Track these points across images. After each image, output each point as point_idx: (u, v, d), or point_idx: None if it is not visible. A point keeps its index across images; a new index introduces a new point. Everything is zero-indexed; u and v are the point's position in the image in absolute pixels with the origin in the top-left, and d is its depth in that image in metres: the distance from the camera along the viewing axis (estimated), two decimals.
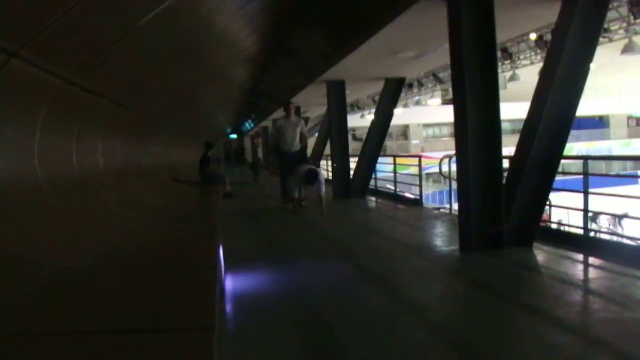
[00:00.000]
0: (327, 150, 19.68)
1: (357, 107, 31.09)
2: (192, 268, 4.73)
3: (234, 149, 51.53)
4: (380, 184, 17.06)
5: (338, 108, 15.97)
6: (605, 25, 16.79)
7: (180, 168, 16.71)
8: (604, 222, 19.11)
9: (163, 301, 3.71)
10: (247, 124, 43.60)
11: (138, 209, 7.79)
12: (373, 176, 16.46)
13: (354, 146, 28.91)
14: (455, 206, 8.66)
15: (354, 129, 41.02)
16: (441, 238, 8.91)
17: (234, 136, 49.71)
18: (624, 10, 16.56)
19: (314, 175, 11.52)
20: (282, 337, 4.48)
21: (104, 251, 5.16)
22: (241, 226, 10.78)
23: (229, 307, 5.33)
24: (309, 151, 16.47)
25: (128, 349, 2.93)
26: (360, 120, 33.70)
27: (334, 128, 16.24)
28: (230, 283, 6.20)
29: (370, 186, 16.36)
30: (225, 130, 45.57)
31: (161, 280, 4.29)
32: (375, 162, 16.05)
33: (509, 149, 7.66)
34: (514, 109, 24.86)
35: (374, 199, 15.51)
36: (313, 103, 21.54)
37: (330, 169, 18.15)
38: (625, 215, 15.57)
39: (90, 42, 5.25)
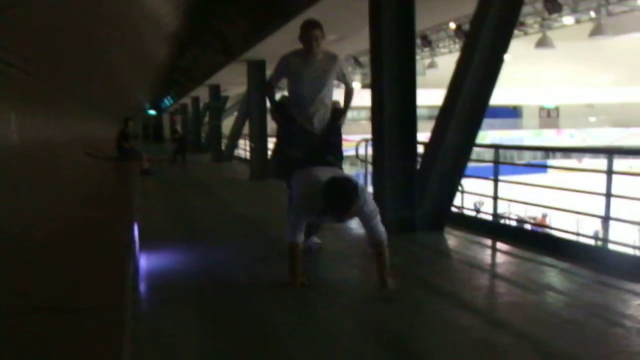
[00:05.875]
0: (246, 129, 19.62)
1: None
2: (106, 246, 4.65)
3: (152, 126, 50.66)
4: None
5: (258, 88, 15.90)
6: (522, 19, 17.26)
7: (96, 143, 16.35)
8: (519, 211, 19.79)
9: (74, 279, 3.64)
10: (166, 101, 42.96)
11: (51, 185, 7.59)
12: None
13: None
14: (371, 189, 8.78)
15: None
16: (356, 220, 9.00)
17: (152, 112, 48.86)
18: (539, 5, 17.03)
19: (348, 198, 4.77)
20: (197, 317, 4.47)
21: (14, 229, 5.03)
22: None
23: (143, 286, 5.29)
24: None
25: (36, 329, 2.86)
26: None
27: (254, 108, 16.21)
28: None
29: None
30: (143, 106, 44.76)
31: (73, 259, 4.20)
32: None
33: (425, 134, 7.80)
34: (431, 96, 25.25)
35: None
36: (233, 82, 21.39)
37: (249, 149, 18.11)
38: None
39: None
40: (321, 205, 4.89)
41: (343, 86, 6.33)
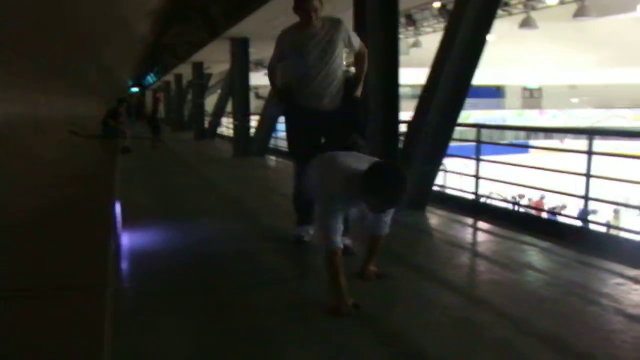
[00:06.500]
0: (229, 107, 19.58)
1: (262, 65, 30.91)
2: (87, 225, 4.64)
3: (134, 104, 50.22)
4: (280, 143, 17.14)
5: (241, 66, 15.89)
6: (506, 0, 17.30)
7: (79, 121, 16.27)
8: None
9: (56, 258, 3.64)
10: (149, 78, 42.64)
11: (34, 162, 7.56)
12: (274, 135, 16.56)
13: (256, 104, 28.77)
14: None
15: (257, 87, 40.76)
16: None
17: (135, 90, 48.45)
18: None
19: (404, 187, 3.83)
20: (179, 295, 4.48)
21: None
22: None
23: (124, 264, 5.28)
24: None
25: (20, 309, 2.86)
26: (264, 79, 33.34)
27: (236, 86, 16.18)
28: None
29: (270, 145, 16.44)
30: (126, 84, 44.40)
31: (55, 238, 4.20)
32: (276, 121, 16.10)
33: (410, 113, 7.81)
34: (415, 75, 25.21)
35: (274, 158, 15.56)
36: (216, 59, 21.27)
37: (232, 127, 18.07)
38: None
39: None
40: (357, 197, 3.99)
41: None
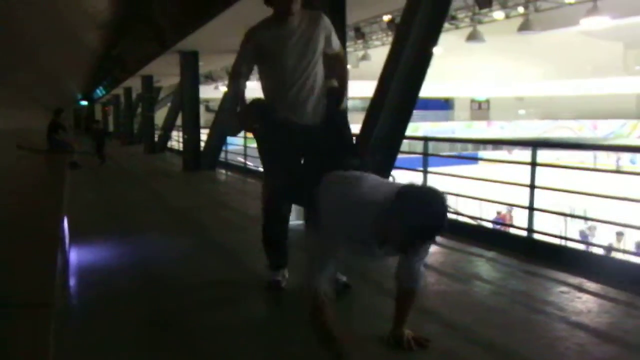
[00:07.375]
0: (179, 121, 19.50)
1: (211, 78, 30.86)
2: (33, 241, 4.56)
3: (84, 117, 49.64)
4: (230, 156, 17.10)
5: (191, 79, 15.88)
6: (453, 13, 17.57)
7: (25, 134, 15.99)
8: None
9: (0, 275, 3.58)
10: (98, 91, 42.16)
11: None
12: (224, 149, 16.53)
13: (207, 117, 28.66)
14: None
15: (207, 101, 40.63)
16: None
17: (84, 103, 47.87)
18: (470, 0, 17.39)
19: (444, 218, 2.93)
20: (128, 313, 4.43)
21: None
22: None
23: (72, 282, 5.21)
24: None
25: None
26: (214, 92, 33.38)
27: (186, 99, 16.15)
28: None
29: (220, 159, 16.40)
30: (75, 97, 43.82)
31: None
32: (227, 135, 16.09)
33: (359, 126, 7.86)
34: (365, 88, 25.38)
35: (224, 171, 15.53)
36: (166, 73, 21.16)
37: (182, 140, 17.98)
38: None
39: None
40: (367, 233, 3.15)
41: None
